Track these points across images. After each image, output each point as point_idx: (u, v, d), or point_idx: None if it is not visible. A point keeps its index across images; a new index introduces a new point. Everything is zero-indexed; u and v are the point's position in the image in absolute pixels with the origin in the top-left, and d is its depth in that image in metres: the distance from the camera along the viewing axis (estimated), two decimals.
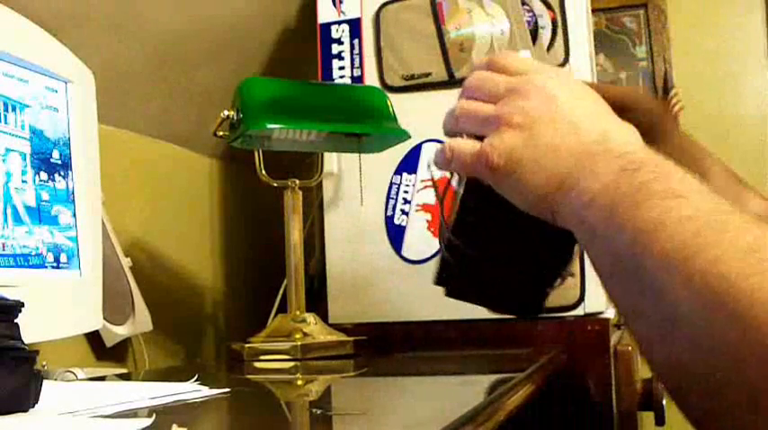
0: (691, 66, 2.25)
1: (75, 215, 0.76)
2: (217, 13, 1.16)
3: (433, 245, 1.06)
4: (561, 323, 1.03)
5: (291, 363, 0.90)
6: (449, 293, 0.63)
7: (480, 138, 0.55)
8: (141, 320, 0.99)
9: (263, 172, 1.01)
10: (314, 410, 0.59)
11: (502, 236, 0.59)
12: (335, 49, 1.16)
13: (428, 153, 1.10)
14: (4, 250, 0.66)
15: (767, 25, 2.20)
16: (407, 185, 1.12)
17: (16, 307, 0.46)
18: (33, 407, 0.46)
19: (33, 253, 0.70)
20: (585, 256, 0.51)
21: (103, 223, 0.88)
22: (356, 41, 1.15)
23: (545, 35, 1.09)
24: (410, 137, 1.01)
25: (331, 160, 1.14)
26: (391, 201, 1.12)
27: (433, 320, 1.08)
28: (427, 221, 1.11)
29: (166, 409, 0.52)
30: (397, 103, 1.02)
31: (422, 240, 1.10)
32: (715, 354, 0.39)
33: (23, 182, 0.69)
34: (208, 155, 1.30)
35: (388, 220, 1.12)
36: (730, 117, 2.20)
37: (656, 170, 0.47)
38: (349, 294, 1.13)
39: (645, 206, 0.44)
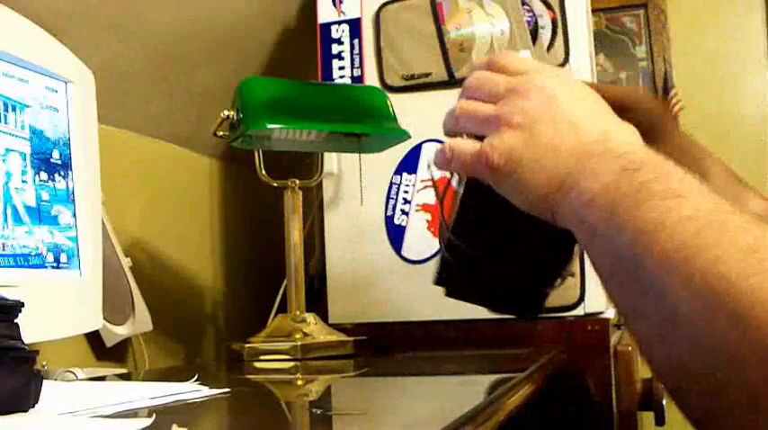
0: (691, 66, 2.24)
1: (75, 215, 0.76)
2: (217, 13, 1.16)
3: (433, 245, 1.06)
4: (561, 323, 1.03)
5: (291, 363, 0.90)
6: (449, 293, 0.63)
7: (480, 138, 0.55)
8: (141, 320, 0.99)
9: (263, 172, 1.01)
10: (314, 410, 0.59)
11: (502, 236, 0.59)
12: (335, 49, 1.16)
13: (428, 153, 1.10)
14: (4, 250, 0.66)
15: (767, 25, 2.20)
16: (407, 185, 1.12)
17: (16, 307, 0.46)
18: (33, 407, 0.46)
19: (33, 253, 0.70)
20: (585, 256, 0.51)
21: (103, 223, 0.88)
22: (356, 41, 1.15)
23: (545, 35, 1.09)
24: (410, 137, 1.01)
25: (331, 160, 1.14)
26: (391, 201, 1.12)
27: (433, 320, 1.08)
28: (427, 221, 1.11)
29: (166, 409, 0.52)
30: (397, 103, 1.02)
31: (422, 240, 1.10)
32: (715, 354, 0.39)
33: (23, 182, 0.69)
34: (208, 155, 1.30)
35: (388, 220, 1.12)
36: (730, 117, 2.20)
37: (657, 170, 0.47)
38: (349, 294, 1.13)
39: (645, 206, 0.44)
